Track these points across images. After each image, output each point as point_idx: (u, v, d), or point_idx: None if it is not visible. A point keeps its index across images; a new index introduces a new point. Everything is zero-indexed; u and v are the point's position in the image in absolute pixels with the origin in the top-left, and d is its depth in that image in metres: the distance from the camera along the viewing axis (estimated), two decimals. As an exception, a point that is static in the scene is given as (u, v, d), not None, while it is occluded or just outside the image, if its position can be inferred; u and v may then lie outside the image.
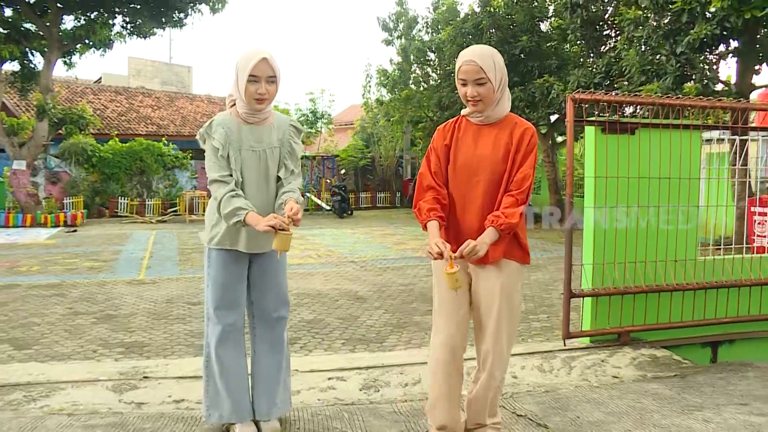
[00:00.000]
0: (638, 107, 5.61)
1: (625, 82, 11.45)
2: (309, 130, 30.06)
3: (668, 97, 5.35)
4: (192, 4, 19.34)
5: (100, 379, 4.35)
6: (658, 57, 10.32)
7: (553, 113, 16.89)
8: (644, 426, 3.53)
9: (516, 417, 3.64)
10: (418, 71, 23.05)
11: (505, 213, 2.98)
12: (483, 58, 3.04)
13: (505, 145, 3.10)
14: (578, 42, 15.10)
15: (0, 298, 7.48)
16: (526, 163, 3.08)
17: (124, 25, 20.08)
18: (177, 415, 3.76)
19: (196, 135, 3.52)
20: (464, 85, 3.08)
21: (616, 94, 5.13)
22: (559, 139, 19.67)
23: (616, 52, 12.23)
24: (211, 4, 19.48)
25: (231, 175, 3.28)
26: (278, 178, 3.43)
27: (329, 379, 4.41)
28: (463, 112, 3.25)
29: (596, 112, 5.30)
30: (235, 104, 3.38)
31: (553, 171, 18.98)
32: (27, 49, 19.06)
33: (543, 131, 18.98)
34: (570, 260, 5.05)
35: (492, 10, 16.96)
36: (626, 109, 11.07)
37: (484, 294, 3.11)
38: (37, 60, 19.52)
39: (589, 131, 5.11)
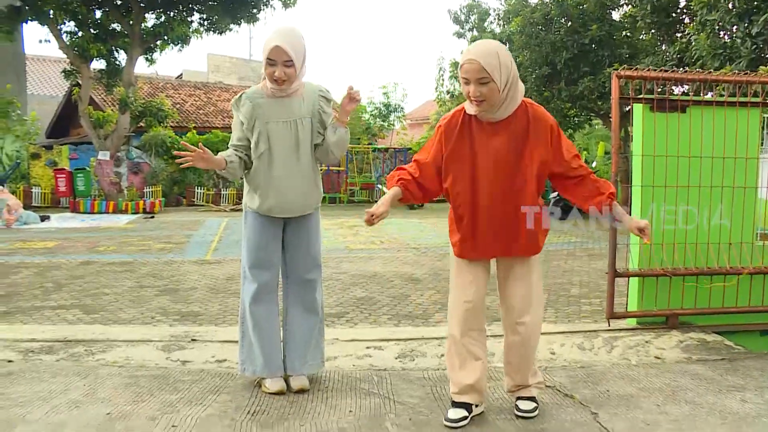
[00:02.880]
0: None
1: (699, 69, 11.09)
2: (382, 123, 30.30)
3: (723, 74, 5.21)
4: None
5: (152, 340, 4.64)
6: (731, 40, 9.95)
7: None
8: (675, 402, 3.48)
9: (544, 387, 3.65)
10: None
11: (601, 188, 3.11)
12: (486, 55, 2.87)
13: (523, 142, 3.07)
14: (650, 30, 14.69)
15: (78, 272, 7.98)
16: (564, 145, 3.13)
17: (201, 21, 20.80)
18: (216, 372, 3.98)
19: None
20: (467, 83, 2.94)
21: (664, 71, 5.02)
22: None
23: (687, 38, 11.85)
24: (282, -1, 19.96)
25: (244, 145, 3.52)
26: (316, 147, 3.60)
27: (367, 348, 4.55)
28: (468, 110, 3.11)
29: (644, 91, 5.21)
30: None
31: (625, 163, 18.49)
32: (112, 47, 20.02)
33: (615, 122, 18.54)
34: (615, 238, 4.98)
35: (561, -1, 16.72)
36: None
37: (509, 273, 3.24)
38: (121, 57, 20.48)
39: (637, 109, 5.03)
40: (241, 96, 3.55)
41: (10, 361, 4.12)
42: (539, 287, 3.30)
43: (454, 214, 3.22)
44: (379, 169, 27.49)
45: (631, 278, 5.14)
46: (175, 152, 3.43)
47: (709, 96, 5.05)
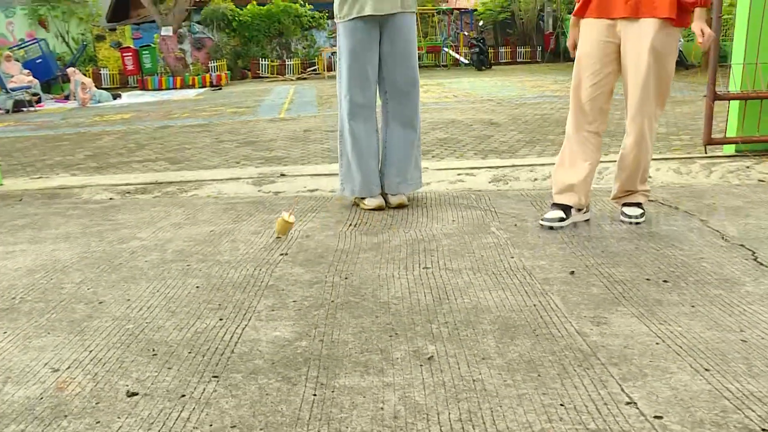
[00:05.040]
0: None
1: None
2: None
3: None
4: None
5: (242, 177, 4.69)
6: None
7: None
8: (788, 211, 3.29)
9: (648, 202, 3.51)
10: None
11: None
12: None
13: None
14: None
15: (157, 135, 8.13)
16: None
17: None
18: (311, 197, 4.01)
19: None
20: None
21: None
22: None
23: None
24: None
25: None
26: None
27: (458, 175, 4.48)
28: None
29: None
30: None
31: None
32: None
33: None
34: (716, 57, 4.62)
35: None
36: None
37: (632, 54, 2.97)
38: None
39: None
40: None
41: (111, 198, 4.25)
42: (663, 76, 3.00)
43: None
44: (444, 32, 26.60)
45: (731, 101, 4.81)
46: None
47: None
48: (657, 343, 1.89)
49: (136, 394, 1.73)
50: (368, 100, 3.53)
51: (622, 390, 1.64)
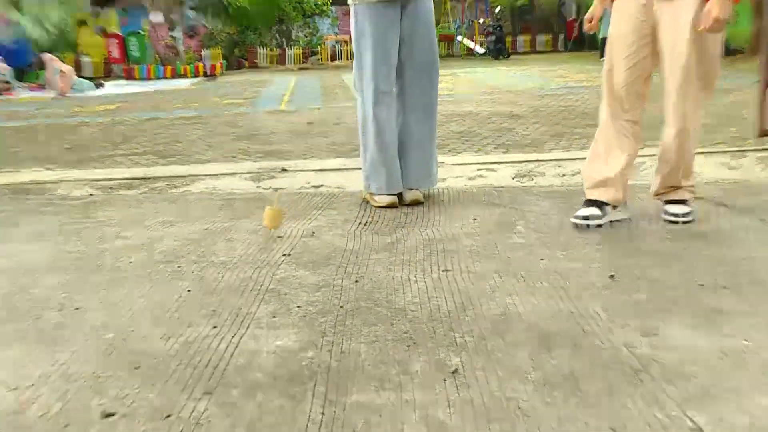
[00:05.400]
0: None
1: None
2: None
3: None
4: None
5: (238, 173, 4.60)
6: None
7: None
8: None
9: (693, 199, 3.39)
10: None
11: None
12: None
13: None
14: None
15: (145, 127, 8.04)
16: None
17: None
18: (315, 193, 3.92)
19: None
20: None
21: None
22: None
23: None
24: None
25: None
26: None
27: (478, 170, 4.39)
28: None
29: None
30: None
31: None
32: None
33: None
34: (768, 42, 4.51)
35: None
36: None
37: (670, 33, 2.85)
38: None
39: None
40: None
41: (91, 194, 4.16)
42: (707, 56, 2.86)
43: None
44: (457, 20, 26.58)
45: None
46: None
47: None
48: (720, 359, 1.77)
49: (113, 414, 1.62)
50: (390, 86, 3.51)
51: (684, 413, 1.52)
